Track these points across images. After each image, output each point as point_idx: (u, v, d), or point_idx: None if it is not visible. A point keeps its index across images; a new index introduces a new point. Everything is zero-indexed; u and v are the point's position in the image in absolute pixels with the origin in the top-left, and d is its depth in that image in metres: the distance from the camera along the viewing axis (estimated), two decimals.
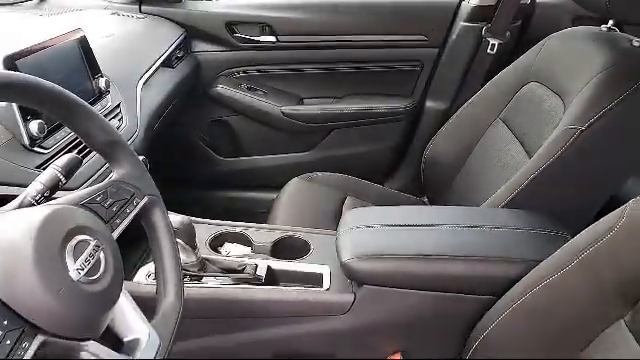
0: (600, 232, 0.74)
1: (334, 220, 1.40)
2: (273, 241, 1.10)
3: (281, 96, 1.86)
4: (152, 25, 1.64)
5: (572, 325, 0.76)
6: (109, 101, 1.08)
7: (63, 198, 0.60)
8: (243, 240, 1.11)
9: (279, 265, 1.03)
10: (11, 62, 0.80)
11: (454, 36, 1.75)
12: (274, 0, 1.81)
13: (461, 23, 1.73)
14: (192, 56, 1.76)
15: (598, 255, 0.73)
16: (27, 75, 0.55)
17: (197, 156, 1.92)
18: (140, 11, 1.70)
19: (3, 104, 0.80)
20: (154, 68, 1.40)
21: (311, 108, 1.86)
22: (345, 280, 0.98)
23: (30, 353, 0.47)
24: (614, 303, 0.71)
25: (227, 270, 1.01)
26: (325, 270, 1.01)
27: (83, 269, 0.52)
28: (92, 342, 0.54)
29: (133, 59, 1.36)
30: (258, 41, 1.79)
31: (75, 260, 0.52)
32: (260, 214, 1.62)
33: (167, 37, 1.60)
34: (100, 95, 1.05)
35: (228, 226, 1.14)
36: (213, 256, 1.04)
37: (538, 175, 1.06)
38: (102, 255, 0.55)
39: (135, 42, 1.46)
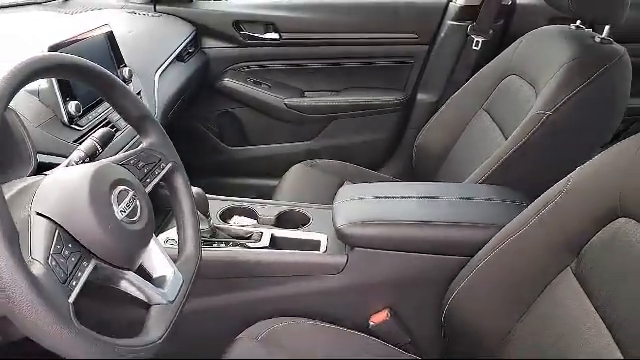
0: (551, 195, 0.86)
1: (331, 201, 1.51)
2: (276, 214, 1.21)
3: (284, 89, 1.95)
4: (166, 23, 1.74)
5: (529, 276, 0.87)
6: (131, 88, 1.20)
7: (105, 159, 0.72)
8: (250, 213, 1.23)
9: (282, 233, 1.14)
10: (55, 52, 0.92)
11: (442, 34, 1.83)
12: (277, 1, 1.90)
13: (449, 22, 1.81)
14: (202, 52, 1.86)
15: (549, 214, 0.85)
16: (84, 59, 0.67)
17: (206, 145, 2.01)
18: (155, 10, 1.80)
19: (46, 86, 0.92)
20: (168, 61, 1.51)
21: (312, 100, 1.95)
22: (339, 245, 1.10)
23: (87, 272, 0.59)
24: (562, 253, 0.83)
25: (235, 237, 1.13)
26: (322, 237, 1.13)
27: (125, 212, 0.64)
28: (131, 272, 0.66)
29: (150, 53, 1.46)
30: (263, 38, 1.88)
31: (119, 204, 0.64)
32: (264, 198, 1.73)
33: (179, 34, 1.71)
34: (124, 82, 1.17)
35: (236, 201, 1.26)
36: (223, 225, 1.16)
37: (511, 154, 1.18)
38: (138, 203, 0.67)
39: (151, 38, 1.57)
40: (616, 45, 1.21)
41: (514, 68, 1.42)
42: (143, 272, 0.71)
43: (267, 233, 1.13)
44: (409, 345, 1.09)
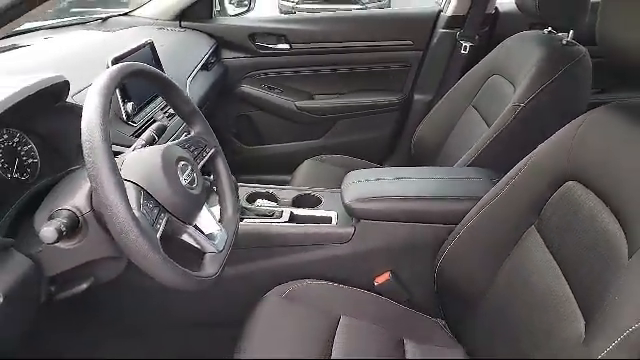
0: (518, 168, 1.04)
1: (339, 187, 1.68)
2: (293, 197, 1.39)
3: (295, 93, 2.13)
4: (190, 37, 1.93)
5: (503, 235, 1.05)
6: None
7: (169, 142, 0.91)
8: (271, 197, 1.40)
9: (299, 212, 1.32)
10: (117, 62, 1.13)
11: (434, 41, 2.01)
12: (288, 15, 2.10)
13: (440, 30, 2.00)
14: (222, 62, 2.04)
15: (517, 183, 1.03)
16: (152, 67, 0.87)
17: (226, 145, 2.14)
18: (180, 26, 1.99)
19: None
20: (196, 70, 1.70)
21: (320, 102, 2.12)
22: (347, 219, 1.28)
23: (163, 223, 0.78)
24: (527, 214, 1.00)
25: (260, 215, 1.32)
26: (333, 214, 1.31)
27: (186, 180, 0.84)
28: (190, 227, 0.86)
29: (181, 63, 1.65)
30: (275, 48, 2.06)
31: (182, 175, 0.83)
32: None
33: (203, 46, 1.90)
34: None
35: (259, 187, 1.45)
36: (250, 206, 1.35)
37: (492, 140, 1.36)
38: (195, 175, 0.87)
39: (180, 50, 1.76)
40: (579, 47, 1.38)
41: (497, 68, 1.59)
42: (198, 229, 0.91)
43: (287, 211, 1.31)
44: (408, 301, 1.26)
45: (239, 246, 1.14)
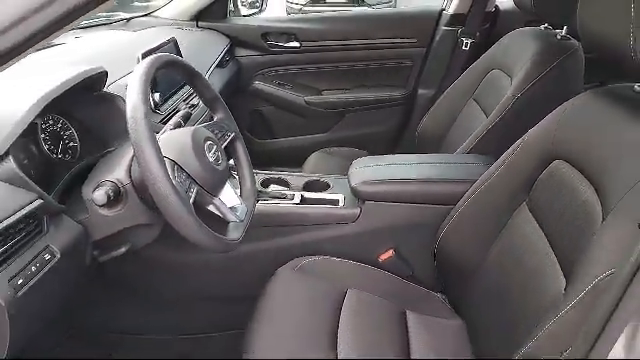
0: (511, 151, 1.14)
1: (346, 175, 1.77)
2: (304, 182, 1.49)
3: (304, 89, 2.23)
4: (207, 36, 2.04)
5: (496, 213, 1.14)
6: None
7: (196, 125, 1.02)
8: (283, 182, 1.50)
9: (309, 195, 1.42)
10: (145, 56, 1.23)
11: (437, 38, 2.10)
12: (298, 15, 2.20)
13: (442, 28, 2.09)
14: (235, 60, 2.15)
15: (509, 164, 1.13)
16: (181, 58, 0.98)
17: None
18: (197, 26, 2.09)
19: None
20: (213, 67, 1.81)
21: (328, 97, 2.22)
22: (353, 201, 1.37)
23: (194, 193, 0.89)
24: (519, 192, 1.10)
25: (273, 197, 1.42)
26: (340, 197, 1.40)
27: (213, 157, 0.94)
28: (216, 198, 0.96)
29: (199, 60, 1.74)
30: (286, 47, 2.16)
31: (209, 152, 0.94)
32: None
33: (218, 45, 2.00)
34: None
35: (272, 174, 1.55)
36: (264, 189, 1.45)
37: (489, 130, 1.46)
38: (219, 154, 0.98)
39: (197, 48, 1.86)
40: (573, 41, 1.47)
41: (496, 63, 1.67)
42: (222, 202, 1.01)
43: (298, 195, 1.40)
44: (410, 277, 1.35)
45: (254, 225, 1.21)
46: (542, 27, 1.60)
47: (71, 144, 1.08)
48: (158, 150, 0.78)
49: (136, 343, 1.46)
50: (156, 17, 2.08)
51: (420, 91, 2.21)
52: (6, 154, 0.80)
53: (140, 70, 0.84)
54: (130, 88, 0.81)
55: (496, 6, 2.11)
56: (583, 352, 0.59)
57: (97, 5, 0.52)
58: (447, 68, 2.12)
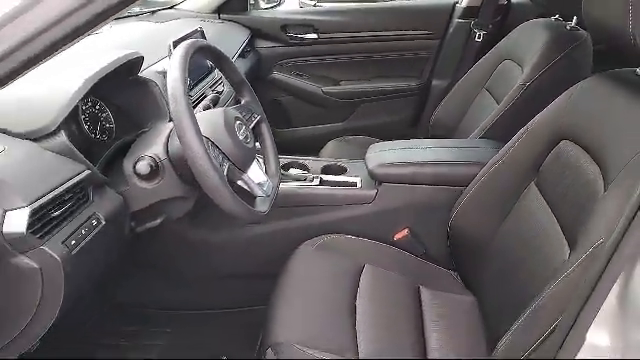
0: (521, 134, 1.19)
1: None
2: (322, 166, 1.56)
3: (321, 79, 2.29)
4: (228, 28, 2.11)
5: (506, 192, 1.19)
6: (216, 73, 1.58)
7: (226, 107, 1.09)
8: (303, 166, 1.57)
9: (328, 177, 1.49)
10: (176, 44, 1.31)
11: (451, 30, 2.16)
12: (316, 8, 2.26)
13: (456, 20, 2.14)
14: (256, 50, 2.21)
15: (519, 146, 1.18)
16: (212, 45, 1.05)
17: None
18: (219, 18, 2.17)
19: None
20: (234, 58, 1.88)
21: (345, 88, 2.28)
22: (370, 183, 1.44)
23: (226, 168, 0.96)
24: (528, 172, 1.15)
25: (294, 179, 1.49)
26: (357, 179, 1.47)
27: (242, 136, 1.02)
28: (245, 174, 1.04)
29: (222, 49, 1.82)
30: (304, 38, 2.22)
31: (239, 131, 1.01)
32: None
33: (240, 36, 2.07)
34: (212, 68, 1.56)
35: (292, 159, 1.61)
36: (286, 172, 1.52)
37: (500, 117, 1.52)
38: (249, 133, 1.05)
39: (220, 39, 1.92)
40: (582, 31, 1.51)
41: (508, 53, 1.72)
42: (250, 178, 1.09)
43: (317, 177, 1.48)
44: (424, 255, 1.41)
45: (276, 205, 1.27)
46: (553, 18, 1.64)
47: (107, 125, 1.16)
48: (197, 127, 0.86)
49: (160, 318, 1.54)
50: (180, 9, 2.16)
51: (434, 81, 2.26)
52: (58, 129, 0.88)
53: (178, 54, 0.91)
54: (170, 70, 0.88)
55: None
56: (576, 312, 0.65)
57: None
58: (460, 59, 2.18)
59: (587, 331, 0.64)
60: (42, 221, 0.78)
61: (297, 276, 1.24)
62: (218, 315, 1.55)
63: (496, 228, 1.22)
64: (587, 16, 0.97)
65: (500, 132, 1.50)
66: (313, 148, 2.12)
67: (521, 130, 1.20)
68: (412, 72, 2.29)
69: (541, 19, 1.70)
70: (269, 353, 1.02)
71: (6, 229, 0.73)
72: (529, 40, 1.62)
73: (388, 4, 2.26)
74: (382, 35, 2.21)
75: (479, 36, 2.11)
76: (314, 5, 2.44)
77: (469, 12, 2.12)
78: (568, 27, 1.54)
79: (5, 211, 0.73)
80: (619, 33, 0.82)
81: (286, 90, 2.31)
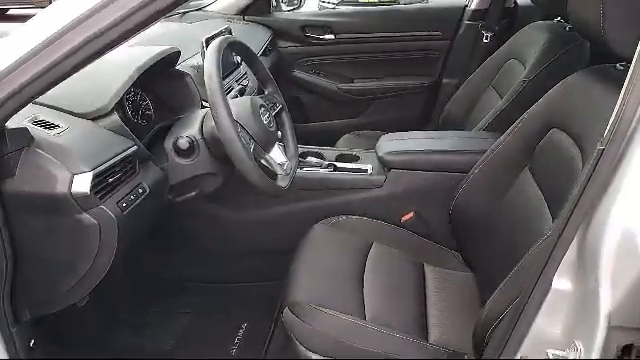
0: (516, 124, 1.30)
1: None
2: (336, 155, 1.70)
3: (337, 77, 2.42)
4: (252, 28, 2.26)
5: (503, 176, 1.30)
6: (241, 69, 1.73)
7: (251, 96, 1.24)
8: (318, 155, 1.70)
9: (341, 164, 1.62)
10: (208, 43, 1.46)
11: (460, 31, 2.27)
12: (334, 10, 2.39)
13: (465, 22, 2.26)
14: (277, 50, 2.35)
15: (515, 134, 1.29)
16: (242, 41, 1.20)
17: None
18: (244, 19, 2.31)
19: (201, 63, 1.45)
20: (258, 55, 2.01)
21: (359, 85, 2.41)
22: (380, 169, 1.56)
23: (252, 148, 1.10)
24: (522, 158, 1.26)
25: (310, 166, 1.63)
26: (369, 166, 1.59)
27: (266, 121, 1.16)
28: (268, 154, 1.18)
29: None
30: (322, 38, 2.35)
31: (263, 117, 1.15)
32: None
33: (262, 36, 2.22)
34: (238, 65, 1.71)
35: (309, 148, 1.75)
36: (302, 160, 1.66)
37: (502, 111, 1.63)
38: (271, 119, 1.19)
39: (244, 38, 2.01)
40: None
41: (513, 53, 1.83)
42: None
43: (331, 164, 1.61)
44: (428, 236, 1.53)
45: (294, 188, 1.38)
46: (555, 21, 1.75)
47: (147, 112, 1.31)
48: (230, 111, 1.00)
49: (190, 289, 1.69)
50: (207, 11, 2.31)
51: (444, 80, 2.38)
52: (112, 111, 1.03)
53: (213, 48, 1.06)
54: (207, 62, 1.03)
55: (515, 2, 2.26)
56: (544, 262, 0.77)
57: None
58: (469, 59, 2.29)
59: (552, 278, 0.76)
60: (101, 185, 0.93)
61: (312, 250, 1.36)
62: (240, 288, 1.69)
63: (493, 210, 1.33)
64: (571, 14, 1.08)
65: (502, 125, 1.60)
66: (328, 141, 2.17)
67: (517, 121, 1.32)
68: (423, 71, 2.40)
69: (543, 21, 1.81)
70: (286, 312, 1.15)
71: (74, 189, 0.88)
72: (531, 40, 1.73)
73: (401, 7, 2.39)
74: (395, 36, 2.34)
75: (487, 37, 2.22)
76: (333, 8, 2.57)
77: (478, 15, 2.24)
78: (567, 28, 1.64)
79: (73, 175, 0.88)
80: (594, 29, 0.94)
81: (304, 87, 2.44)
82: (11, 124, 0.86)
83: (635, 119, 0.67)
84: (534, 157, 1.25)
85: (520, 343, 0.80)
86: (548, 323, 0.78)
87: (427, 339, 1.15)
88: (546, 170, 1.18)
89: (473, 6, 2.25)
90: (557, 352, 0.76)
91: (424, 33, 2.33)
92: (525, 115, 1.30)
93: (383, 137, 1.66)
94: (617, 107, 0.67)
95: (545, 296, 0.77)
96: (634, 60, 0.66)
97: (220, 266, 1.68)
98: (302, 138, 2.42)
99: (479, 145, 1.49)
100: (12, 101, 0.79)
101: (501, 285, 0.98)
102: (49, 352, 1.12)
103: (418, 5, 2.42)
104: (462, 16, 2.30)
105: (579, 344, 0.73)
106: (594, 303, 0.71)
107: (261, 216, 1.58)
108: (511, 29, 2.18)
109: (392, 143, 1.58)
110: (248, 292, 1.67)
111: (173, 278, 1.69)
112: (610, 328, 0.69)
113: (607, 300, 0.69)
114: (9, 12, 7.51)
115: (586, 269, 0.74)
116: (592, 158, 0.71)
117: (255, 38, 2.17)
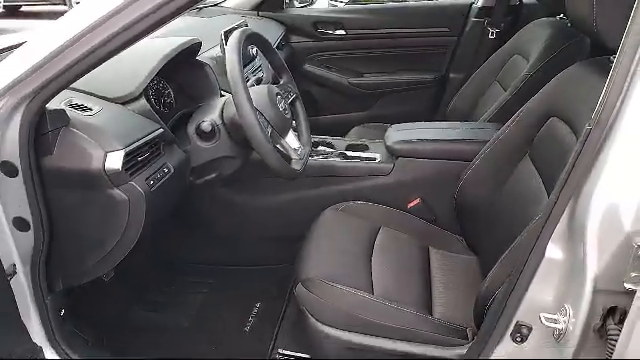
0: (517, 114, 1.36)
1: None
2: (346, 145, 1.77)
3: (348, 72, 2.49)
4: (266, 23, 2.33)
5: (505, 163, 1.36)
6: (257, 62, 1.81)
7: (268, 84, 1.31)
8: (329, 144, 1.77)
9: (351, 153, 1.69)
10: (227, 36, 1.54)
11: (467, 28, 2.33)
12: (344, 7, 2.46)
13: (471, 19, 2.32)
14: (290, 45, 2.43)
15: (517, 123, 1.35)
16: (259, 33, 1.27)
17: None
18: (258, 14, 2.39)
19: (220, 55, 1.53)
20: None
21: (369, 79, 2.47)
22: (388, 158, 1.63)
23: (269, 132, 1.17)
24: (523, 146, 1.32)
25: (321, 154, 1.70)
26: (377, 155, 1.66)
27: (282, 108, 1.23)
28: (283, 139, 1.25)
29: None
30: (333, 34, 2.42)
31: (279, 104, 1.23)
32: None
33: (276, 31, 2.29)
34: (253, 57, 1.79)
35: (320, 137, 1.82)
36: (313, 148, 1.73)
37: (505, 103, 1.69)
38: (286, 106, 1.26)
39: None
40: None
41: (517, 49, 1.88)
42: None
43: (342, 153, 1.68)
44: (434, 221, 1.60)
45: (306, 175, 1.44)
46: (558, 17, 1.81)
47: (168, 100, 1.38)
48: (250, 96, 1.07)
49: (204, 271, 1.77)
50: (223, 7, 2.39)
51: (451, 75, 2.44)
52: (140, 95, 1.11)
53: (235, 39, 1.14)
54: (228, 52, 1.10)
55: (520, 0, 2.31)
56: (537, 232, 0.83)
57: None
58: (475, 54, 2.35)
59: (546, 249, 0.83)
60: (131, 163, 1.00)
61: (323, 232, 1.43)
62: (253, 271, 1.76)
63: (495, 196, 1.40)
64: (568, 10, 1.15)
65: (505, 116, 1.65)
66: (338, 133, 2.21)
67: (518, 111, 1.38)
68: (431, 66, 2.47)
69: (546, 18, 1.86)
70: (299, 287, 1.22)
71: (107, 166, 0.95)
72: (535, 37, 1.78)
73: (410, 4, 2.45)
74: (404, 32, 2.40)
75: (492, 34, 2.28)
76: (344, 4, 2.63)
77: (484, 12, 2.30)
78: (569, 24, 1.70)
79: (106, 152, 0.95)
80: (588, 23, 1.00)
81: (315, 81, 2.51)
82: (51, 106, 0.94)
83: (617, 104, 0.73)
84: (534, 145, 1.31)
85: (516, 308, 0.86)
86: (541, 290, 0.84)
87: (432, 315, 1.22)
88: (545, 157, 1.23)
89: (479, 4, 2.31)
90: (549, 315, 0.82)
91: (432, 30, 2.40)
92: (525, 106, 1.36)
93: (391, 127, 1.72)
94: (602, 93, 0.74)
95: (539, 265, 0.84)
96: (619, 50, 0.73)
97: (234, 249, 1.76)
98: (314, 130, 2.48)
99: (483, 135, 1.55)
100: (55, 83, 0.86)
101: (501, 258, 1.04)
102: (76, 324, 1.20)
103: (426, 2, 2.48)
104: (469, 13, 2.36)
105: (568, 307, 0.79)
106: (582, 270, 0.77)
107: (274, 202, 1.66)
108: (516, 26, 2.24)
109: (400, 133, 1.65)
110: (261, 274, 1.74)
111: (189, 259, 1.77)
112: (596, 292, 0.76)
113: (593, 266, 0.76)
114: (22, 9, 7.65)
115: (575, 239, 0.80)
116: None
117: (268, 33, 2.22)
